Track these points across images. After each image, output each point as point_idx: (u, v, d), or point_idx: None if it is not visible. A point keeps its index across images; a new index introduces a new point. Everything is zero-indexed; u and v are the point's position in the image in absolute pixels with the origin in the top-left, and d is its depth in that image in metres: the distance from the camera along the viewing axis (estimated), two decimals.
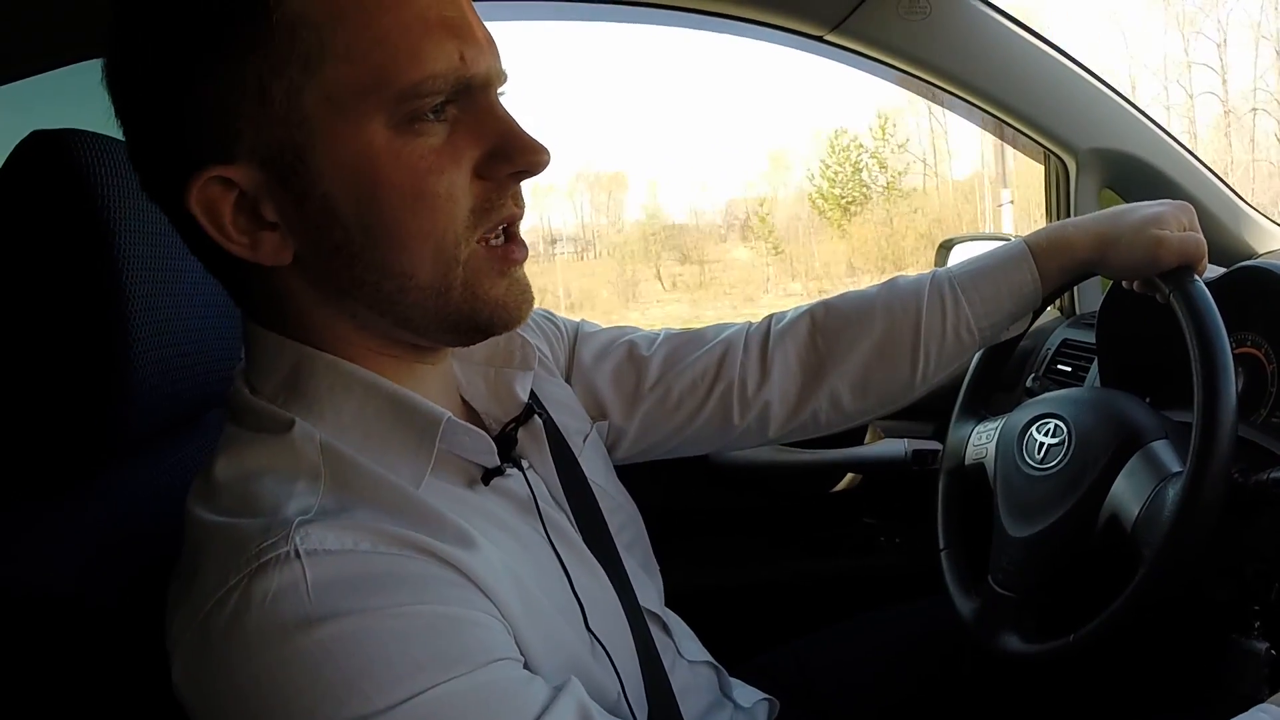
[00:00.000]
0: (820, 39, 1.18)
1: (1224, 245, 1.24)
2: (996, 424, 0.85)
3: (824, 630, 0.97)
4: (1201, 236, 0.71)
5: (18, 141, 0.55)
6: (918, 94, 1.30)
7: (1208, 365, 0.63)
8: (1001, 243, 0.79)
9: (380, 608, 0.41)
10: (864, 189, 13.27)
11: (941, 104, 1.30)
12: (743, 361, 0.76)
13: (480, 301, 0.50)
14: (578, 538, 0.59)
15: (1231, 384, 0.63)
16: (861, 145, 13.26)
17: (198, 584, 0.43)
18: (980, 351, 0.85)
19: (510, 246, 0.51)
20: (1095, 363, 0.99)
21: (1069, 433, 0.76)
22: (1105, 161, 1.25)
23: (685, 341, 0.77)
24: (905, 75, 1.22)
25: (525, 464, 0.58)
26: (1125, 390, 0.80)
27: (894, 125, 13.00)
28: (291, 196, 0.46)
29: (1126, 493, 0.70)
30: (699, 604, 0.84)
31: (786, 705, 0.79)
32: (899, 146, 13.12)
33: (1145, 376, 0.85)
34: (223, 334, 0.68)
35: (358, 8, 0.44)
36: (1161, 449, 0.70)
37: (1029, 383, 1.21)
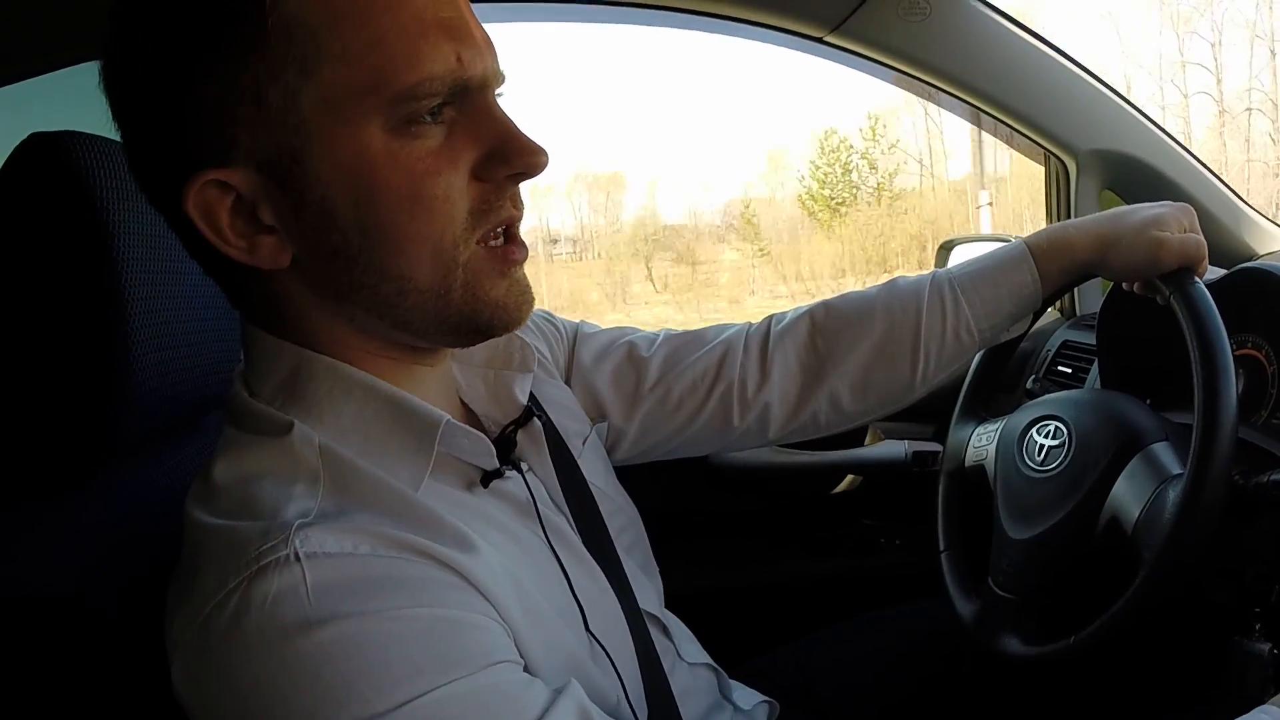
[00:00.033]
0: (820, 40, 1.18)
1: (1224, 247, 1.24)
2: (997, 425, 0.85)
3: (824, 632, 0.96)
4: (1202, 238, 0.71)
5: (17, 143, 0.55)
6: (916, 95, 1.30)
7: (1208, 367, 0.63)
8: (1002, 244, 0.79)
9: (379, 611, 0.41)
10: (854, 190, 13.21)
11: (940, 105, 1.30)
12: (743, 362, 0.76)
13: (481, 303, 0.50)
14: (577, 540, 0.59)
15: (1232, 386, 0.63)
16: (851, 146, 13.21)
17: (197, 586, 0.43)
18: (980, 353, 0.85)
19: (510, 247, 0.50)
20: (1095, 364, 0.99)
21: (1069, 434, 0.76)
22: (1105, 163, 1.25)
23: (685, 342, 0.77)
24: (905, 76, 1.22)
25: (524, 466, 0.58)
26: (1126, 392, 0.80)
27: (884, 126, 12.93)
28: (289, 200, 0.46)
29: (1127, 495, 0.70)
30: (699, 606, 0.83)
31: (786, 707, 0.79)
32: (890, 147, 13.04)
33: (1146, 378, 0.85)
34: (222, 336, 0.68)
35: (354, 9, 0.44)
36: (1162, 451, 0.70)
37: (1029, 384, 1.22)
